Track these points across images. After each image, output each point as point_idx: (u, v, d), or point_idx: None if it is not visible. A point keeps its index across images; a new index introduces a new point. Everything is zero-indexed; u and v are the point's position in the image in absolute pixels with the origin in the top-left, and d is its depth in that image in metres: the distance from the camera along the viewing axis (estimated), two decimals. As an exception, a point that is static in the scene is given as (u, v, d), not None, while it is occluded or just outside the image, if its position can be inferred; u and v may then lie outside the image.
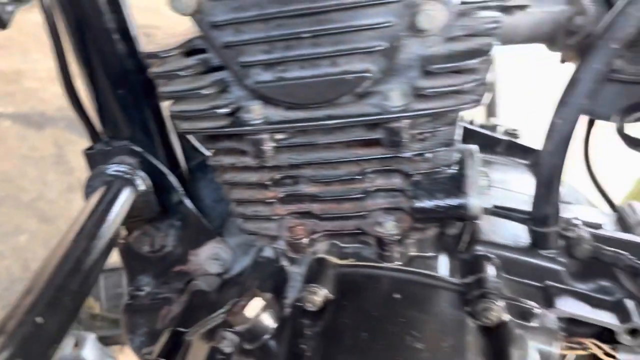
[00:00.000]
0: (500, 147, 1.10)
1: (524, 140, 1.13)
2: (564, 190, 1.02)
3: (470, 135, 1.10)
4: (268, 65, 0.68)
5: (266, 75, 0.69)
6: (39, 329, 0.57)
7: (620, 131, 0.77)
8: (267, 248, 0.88)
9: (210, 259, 0.95)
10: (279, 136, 0.74)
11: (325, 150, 0.76)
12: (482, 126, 1.12)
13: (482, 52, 0.67)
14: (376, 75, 0.67)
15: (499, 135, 1.11)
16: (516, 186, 0.97)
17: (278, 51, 0.67)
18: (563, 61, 0.88)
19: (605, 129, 0.88)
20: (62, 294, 0.61)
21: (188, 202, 0.93)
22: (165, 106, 0.90)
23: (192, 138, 1.03)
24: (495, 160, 1.08)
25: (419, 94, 0.68)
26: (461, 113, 0.78)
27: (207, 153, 1.00)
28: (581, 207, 0.98)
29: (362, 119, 0.70)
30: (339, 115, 0.71)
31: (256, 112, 0.71)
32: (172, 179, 0.92)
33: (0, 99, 3.78)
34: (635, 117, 0.77)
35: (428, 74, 0.68)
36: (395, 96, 0.68)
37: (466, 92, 0.68)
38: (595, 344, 0.74)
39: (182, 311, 0.92)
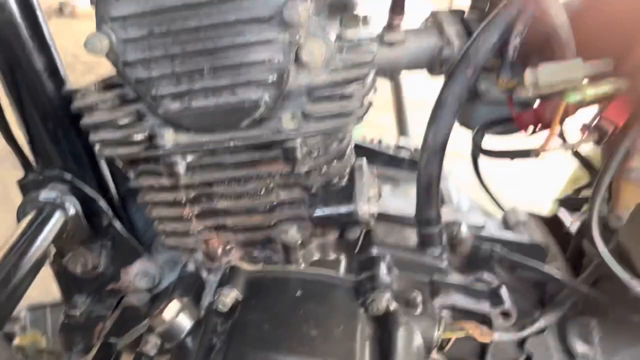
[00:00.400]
0: (405, 164, 1.24)
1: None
2: (460, 199, 1.16)
3: (377, 156, 1.23)
4: (176, 96, 0.79)
5: (175, 105, 0.80)
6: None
7: (477, 142, 0.90)
8: (190, 262, 0.97)
9: (139, 275, 1.03)
10: (189, 158, 0.84)
11: (233, 169, 0.86)
12: (388, 147, 1.26)
13: (359, 80, 0.80)
14: (270, 103, 0.79)
15: (403, 153, 1.24)
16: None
17: (184, 84, 0.78)
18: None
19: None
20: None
21: (117, 224, 1.02)
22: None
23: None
24: (400, 176, 1.21)
25: (308, 117, 0.80)
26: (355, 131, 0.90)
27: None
28: (472, 213, 1.11)
29: (260, 140, 0.81)
30: (240, 137, 0.82)
31: (168, 137, 0.81)
32: (102, 203, 1.01)
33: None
34: (494, 130, 0.91)
35: (314, 100, 0.80)
36: (287, 120, 0.80)
37: (347, 114, 0.80)
38: (473, 327, 0.86)
39: (113, 324, 0.99)
